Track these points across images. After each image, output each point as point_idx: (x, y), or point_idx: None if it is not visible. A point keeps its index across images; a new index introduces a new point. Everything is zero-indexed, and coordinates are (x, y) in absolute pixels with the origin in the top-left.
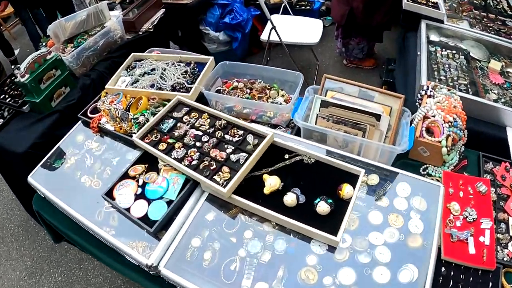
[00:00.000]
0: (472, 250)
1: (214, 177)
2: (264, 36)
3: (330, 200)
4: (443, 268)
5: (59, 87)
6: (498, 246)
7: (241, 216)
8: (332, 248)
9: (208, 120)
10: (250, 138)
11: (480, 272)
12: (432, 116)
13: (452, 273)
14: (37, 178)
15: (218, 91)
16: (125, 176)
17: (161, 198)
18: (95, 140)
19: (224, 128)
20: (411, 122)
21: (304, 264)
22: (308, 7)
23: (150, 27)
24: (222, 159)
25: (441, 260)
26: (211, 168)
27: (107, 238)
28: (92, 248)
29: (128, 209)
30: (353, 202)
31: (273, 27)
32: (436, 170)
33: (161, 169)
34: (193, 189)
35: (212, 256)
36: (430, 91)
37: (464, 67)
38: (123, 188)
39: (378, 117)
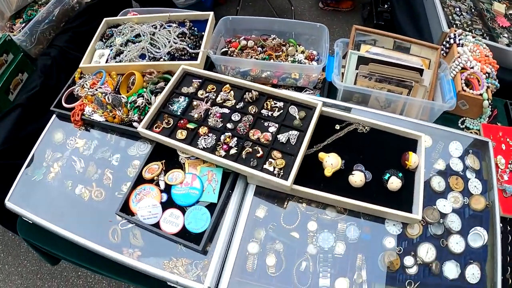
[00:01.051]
0: None
1: (265, 166)
2: None
3: (400, 174)
4: (500, 224)
5: (15, 75)
6: None
7: (299, 205)
8: (404, 225)
9: (232, 92)
10: (293, 110)
11: None
12: (471, 67)
13: (508, 228)
14: (17, 200)
15: (224, 53)
16: (140, 180)
17: (197, 202)
18: (80, 136)
19: (256, 100)
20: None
21: (383, 248)
22: None
23: None
24: (268, 142)
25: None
26: (257, 155)
27: (132, 264)
28: (112, 275)
29: (157, 225)
30: (422, 171)
31: None
32: (473, 123)
33: (183, 163)
34: (234, 183)
35: (277, 261)
36: (459, 39)
37: (473, 10)
38: (143, 198)
39: (421, 71)
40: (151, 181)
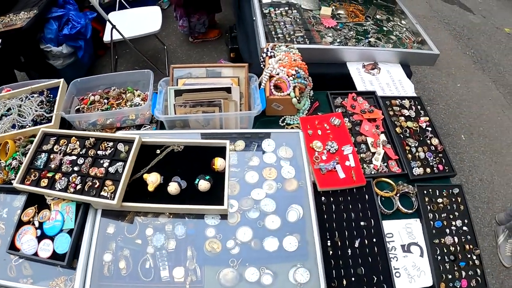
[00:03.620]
0: (342, 175)
1: (101, 193)
2: (107, 37)
3: (207, 177)
4: (323, 198)
5: None
6: (364, 164)
7: (138, 218)
8: (224, 216)
9: (78, 142)
10: (121, 146)
11: (355, 190)
12: (276, 74)
13: (332, 199)
14: None
15: (78, 110)
16: (20, 223)
17: (61, 231)
18: None
19: (94, 145)
20: (260, 84)
21: (206, 238)
22: None
23: None
24: (102, 174)
25: (319, 192)
26: (95, 186)
27: None
28: None
29: (35, 254)
30: (227, 171)
31: (113, 26)
32: (293, 119)
33: (50, 204)
34: (87, 211)
35: (127, 263)
36: (271, 52)
37: (298, 20)
38: (23, 236)
39: (228, 89)
40: (29, 222)
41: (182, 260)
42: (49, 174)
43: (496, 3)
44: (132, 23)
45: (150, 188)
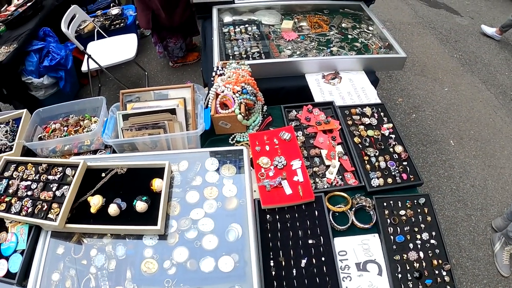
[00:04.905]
0: (288, 190)
1: (49, 215)
2: (84, 67)
3: (144, 197)
4: (268, 216)
5: None
6: (317, 178)
7: (83, 239)
8: (163, 236)
9: (33, 168)
10: (69, 171)
11: (303, 206)
12: (222, 92)
13: (277, 217)
14: None
15: (40, 139)
16: None
17: (15, 251)
18: None
19: (47, 170)
20: (207, 103)
21: (143, 258)
22: (122, 24)
23: None
24: (50, 198)
25: (265, 210)
26: (44, 209)
27: None
28: None
29: None
30: (164, 192)
31: (89, 56)
32: (243, 136)
33: (8, 226)
34: (39, 233)
35: (72, 283)
36: (220, 70)
37: (257, 36)
38: None
39: (172, 111)
40: None
41: (122, 280)
42: (7, 199)
43: (485, 3)
44: (109, 52)
45: (93, 210)
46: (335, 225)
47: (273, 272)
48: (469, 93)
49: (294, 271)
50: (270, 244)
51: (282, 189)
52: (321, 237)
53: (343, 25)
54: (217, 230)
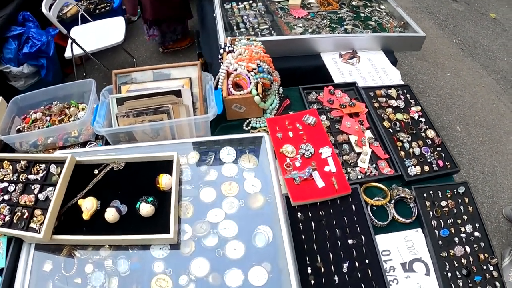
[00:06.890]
0: (321, 183)
1: (31, 225)
2: (68, 53)
3: (150, 199)
4: (299, 214)
5: None
6: (349, 168)
7: (75, 252)
8: (176, 245)
9: (10, 166)
10: (53, 168)
11: (338, 200)
12: (234, 70)
13: (310, 214)
14: None
15: (19, 131)
16: None
17: None
18: None
19: (26, 168)
20: (217, 84)
21: (153, 274)
22: (108, 7)
23: None
24: (32, 203)
25: (294, 207)
26: (24, 217)
27: None
28: None
29: None
30: (174, 190)
31: (73, 41)
32: (259, 121)
33: None
34: (20, 246)
35: None
36: (229, 47)
37: (263, 13)
38: None
39: (177, 92)
40: None
41: None
42: None
43: None
44: (95, 36)
45: (85, 216)
46: (375, 221)
47: (312, 281)
48: (471, 78)
49: (336, 278)
50: (305, 248)
51: (313, 181)
52: (362, 236)
53: (354, 3)
54: (242, 234)
